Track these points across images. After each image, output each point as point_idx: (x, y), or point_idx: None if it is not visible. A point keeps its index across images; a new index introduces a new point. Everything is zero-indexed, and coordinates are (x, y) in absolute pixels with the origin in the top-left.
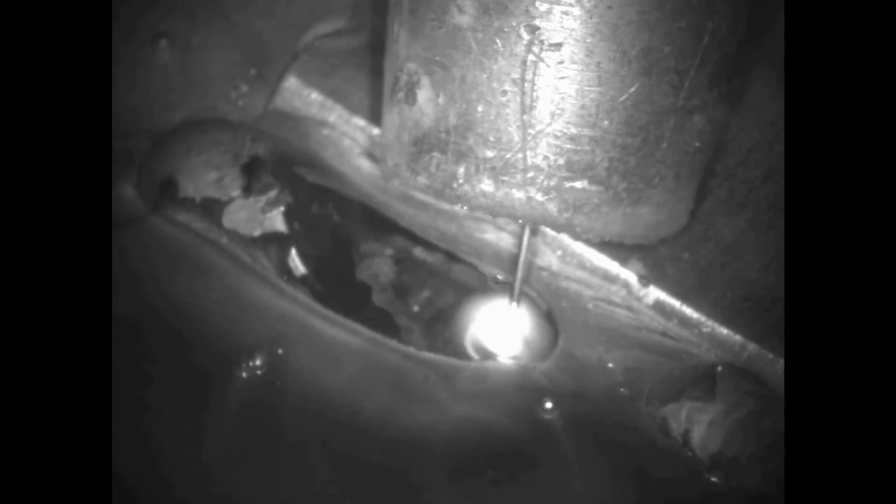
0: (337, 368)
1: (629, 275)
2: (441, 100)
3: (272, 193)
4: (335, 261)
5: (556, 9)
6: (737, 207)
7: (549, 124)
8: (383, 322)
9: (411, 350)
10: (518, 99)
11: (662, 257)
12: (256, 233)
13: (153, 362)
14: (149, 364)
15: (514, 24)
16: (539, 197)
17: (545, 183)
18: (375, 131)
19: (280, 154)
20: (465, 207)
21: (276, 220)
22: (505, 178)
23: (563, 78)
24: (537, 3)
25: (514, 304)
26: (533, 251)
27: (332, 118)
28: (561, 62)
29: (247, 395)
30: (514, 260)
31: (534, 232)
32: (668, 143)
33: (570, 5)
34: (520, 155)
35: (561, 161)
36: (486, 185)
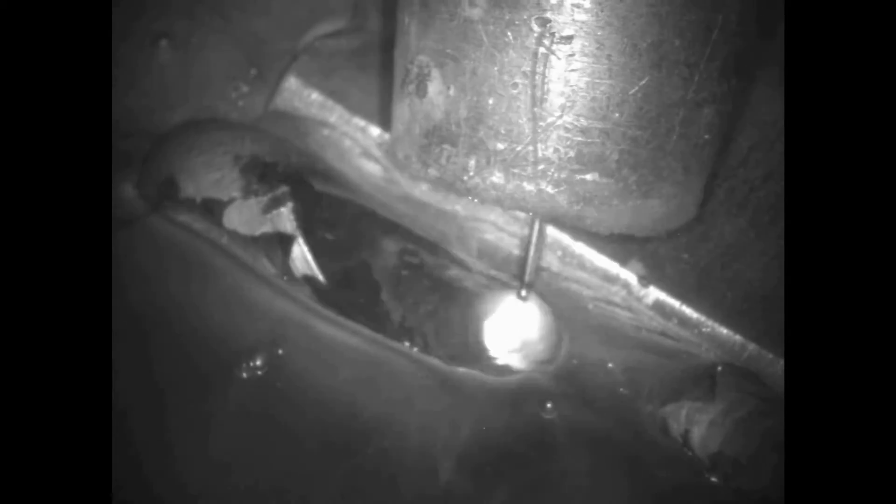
0: (337, 369)
1: (629, 275)
2: (452, 92)
3: (272, 194)
4: (345, 265)
5: (567, 1)
6: (737, 207)
7: (560, 117)
8: (392, 326)
9: (411, 350)
10: (529, 91)
11: (662, 257)
12: (256, 233)
13: (153, 362)
14: (148, 364)
15: (524, 16)
16: (549, 189)
17: (556, 175)
18: (375, 132)
19: (290, 163)
20: (476, 199)
21: (279, 222)
22: (515, 171)
23: (573, 70)
24: None
25: (523, 297)
26: (542, 246)
27: (332, 118)
28: (572, 55)
29: (247, 395)
30: (515, 260)
31: (543, 225)
32: (678, 135)
33: None
34: (530, 147)
35: (571, 153)
36: (497, 178)
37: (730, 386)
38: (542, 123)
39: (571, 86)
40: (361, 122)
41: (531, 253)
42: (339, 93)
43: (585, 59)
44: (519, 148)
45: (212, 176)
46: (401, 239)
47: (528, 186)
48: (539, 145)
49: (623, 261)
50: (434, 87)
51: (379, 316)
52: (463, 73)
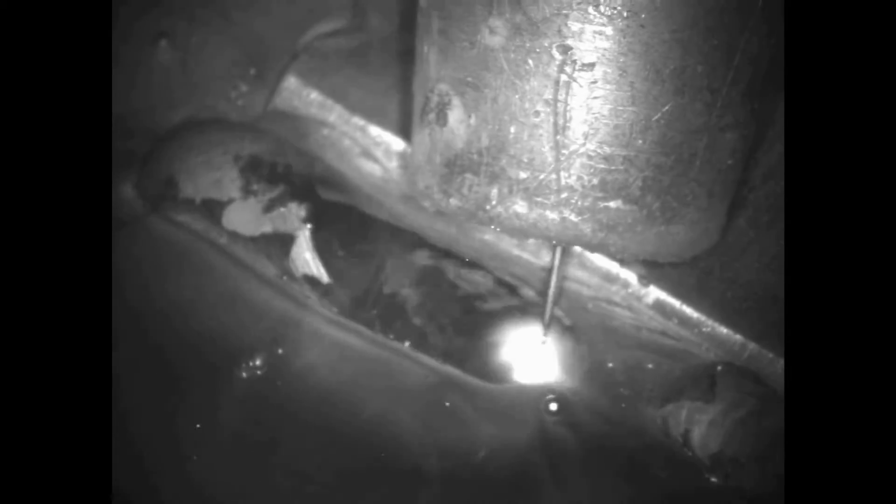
0: (337, 369)
1: (629, 275)
2: (473, 121)
3: (272, 194)
4: (361, 276)
5: (589, 28)
6: (737, 207)
7: (583, 144)
8: (416, 339)
9: (411, 351)
10: (551, 119)
11: None
12: (256, 233)
13: (153, 362)
14: (148, 364)
15: (546, 44)
16: (573, 217)
17: (579, 203)
18: (375, 131)
19: (289, 163)
20: (498, 229)
21: (281, 221)
22: (538, 199)
23: (596, 98)
24: (569, 23)
25: (545, 330)
26: (563, 273)
27: (331, 118)
28: (594, 82)
29: (247, 395)
30: (514, 260)
31: (566, 252)
32: (702, 161)
33: (603, 25)
34: (553, 175)
35: (595, 181)
36: (520, 207)
37: (730, 386)
38: (564, 151)
39: (594, 113)
40: (361, 122)
41: (552, 285)
42: (339, 92)
43: (608, 86)
44: (542, 176)
45: (212, 176)
46: (425, 251)
47: (552, 215)
48: (562, 173)
49: (623, 261)
50: (455, 115)
51: (398, 327)
52: (484, 101)
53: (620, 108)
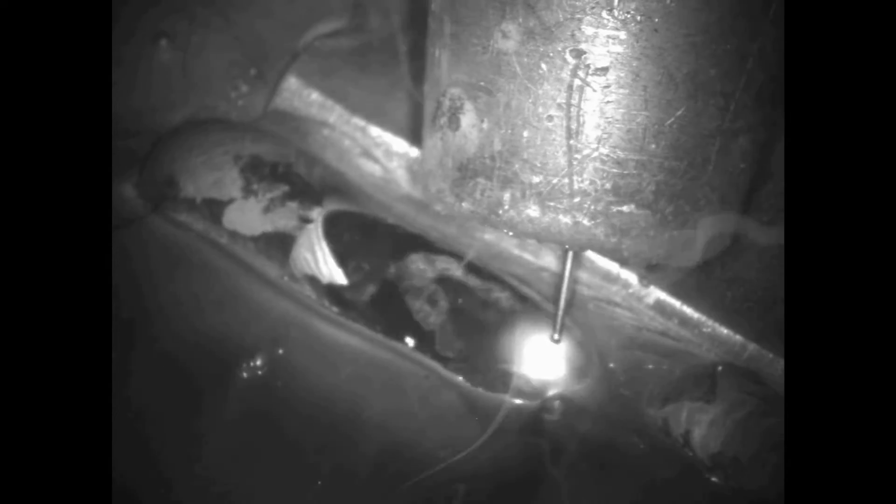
0: (337, 369)
1: (629, 275)
2: (485, 125)
3: (272, 194)
4: (366, 278)
5: (602, 32)
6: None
7: (596, 149)
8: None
9: (411, 352)
10: (564, 124)
11: None
12: (257, 233)
13: (153, 362)
14: (149, 364)
15: (559, 48)
16: (586, 222)
17: (592, 207)
18: (375, 131)
19: (301, 171)
20: (511, 233)
21: (279, 220)
22: (551, 204)
23: (609, 102)
24: (583, 27)
25: (556, 337)
26: (574, 279)
27: (332, 118)
28: (607, 86)
29: (247, 395)
30: (515, 260)
31: (577, 257)
32: (714, 165)
33: (616, 29)
34: (566, 180)
35: (608, 185)
36: (533, 211)
37: (730, 386)
38: (577, 156)
39: (607, 117)
40: (361, 122)
41: (563, 291)
42: (339, 92)
43: (621, 90)
44: (554, 181)
45: (212, 176)
46: (442, 259)
47: (564, 219)
48: (575, 178)
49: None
50: (467, 120)
51: (403, 329)
52: (497, 105)
53: (633, 112)
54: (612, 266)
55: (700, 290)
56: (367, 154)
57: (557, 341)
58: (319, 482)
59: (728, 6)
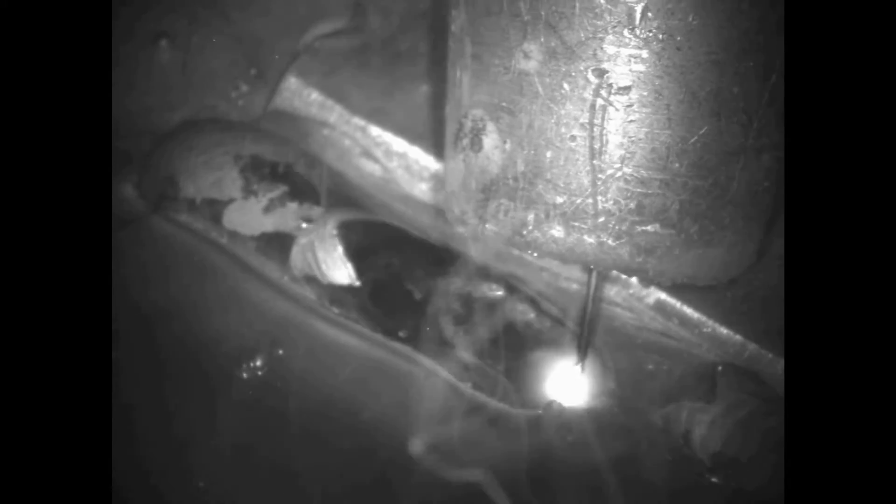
0: (337, 369)
1: None
2: (508, 146)
3: (272, 194)
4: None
5: (624, 52)
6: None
7: (620, 168)
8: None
9: (411, 352)
10: (587, 143)
11: None
12: (257, 233)
13: (153, 363)
14: (149, 364)
15: (581, 67)
16: (611, 242)
17: (616, 227)
18: (375, 131)
19: (302, 171)
20: (536, 254)
21: (282, 223)
22: (576, 224)
23: (632, 121)
24: (605, 47)
25: (581, 360)
26: (599, 300)
27: (332, 118)
28: (630, 105)
29: (247, 396)
30: (516, 260)
31: (602, 276)
32: (738, 183)
33: (638, 48)
34: (590, 200)
35: (632, 205)
36: (557, 231)
37: (730, 386)
38: (601, 176)
39: (630, 137)
40: (361, 122)
41: (587, 312)
42: (339, 92)
43: (644, 109)
44: (578, 201)
45: (212, 176)
46: (461, 268)
47: (589, 239)
48: (599, 198)
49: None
50: (490, 141)
51: (412, 334)
52: (519, 126)
53: (657, 131)
54: None
55: (700, 291)
56: (367, 154)
57: (582, 367)
58: (317, 483)
59: (749, 23)
